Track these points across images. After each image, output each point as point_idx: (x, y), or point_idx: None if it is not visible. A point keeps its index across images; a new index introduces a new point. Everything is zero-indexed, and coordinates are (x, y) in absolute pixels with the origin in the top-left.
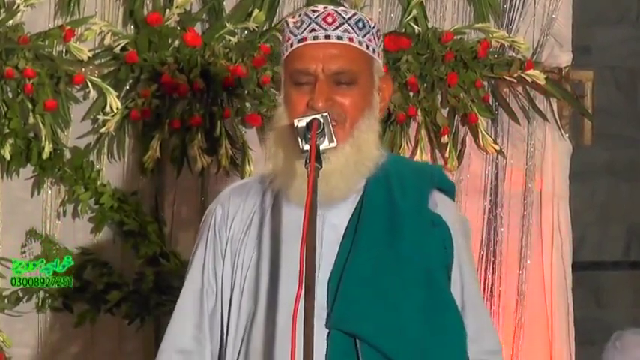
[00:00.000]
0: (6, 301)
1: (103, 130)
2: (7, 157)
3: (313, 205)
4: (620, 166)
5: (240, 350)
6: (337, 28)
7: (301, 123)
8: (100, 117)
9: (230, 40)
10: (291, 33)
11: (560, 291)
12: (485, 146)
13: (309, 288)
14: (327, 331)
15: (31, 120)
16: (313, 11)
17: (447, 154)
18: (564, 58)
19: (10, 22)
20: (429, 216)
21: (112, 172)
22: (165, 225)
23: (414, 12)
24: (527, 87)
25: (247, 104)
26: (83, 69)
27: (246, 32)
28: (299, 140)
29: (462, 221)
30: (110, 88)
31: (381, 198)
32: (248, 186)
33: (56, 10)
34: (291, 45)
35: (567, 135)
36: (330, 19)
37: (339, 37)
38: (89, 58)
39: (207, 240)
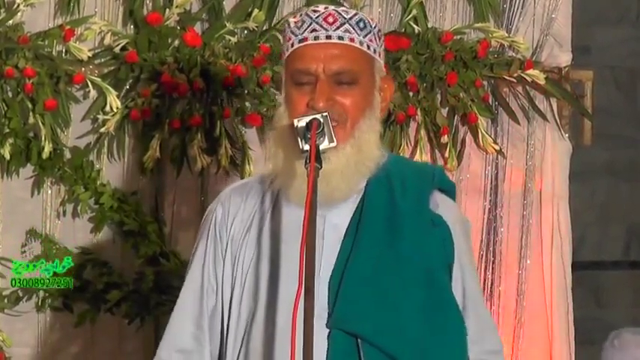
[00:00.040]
0: (6, 300)
1: (102, 129)
2: (7, 156)
3: (313, 204)
4: (620, 166)
5: (240, 350)
6: (338, 28)
7: (301, 123)
8: (100, 117)
9: (230, 40)
10: (292, 33)
11: (560, 291)
12: (485, 146)
13: (309, 288)
14: (328, 331)
15: (31, 120)
16: (314, 11)
17: (446, 154)
18: (564, 58)
19: (10, 21)
20: (430, 216)
21: (111, 171)
22: (165, 225)
23: (414, 12)
24: (527, 87)
25: (247, 104)
26: (83, 69)
27: (246, 32)
28: (299, 140)
29: (463, 221)
30: (110, 88)
31: (382, 198)
32: (249, 186)
33: (56, 9)
34: (292, 45)
35: (567, 135)
36: (330, 19)
37: (340, 37)
38: (89, 57)
39: (207, 239)
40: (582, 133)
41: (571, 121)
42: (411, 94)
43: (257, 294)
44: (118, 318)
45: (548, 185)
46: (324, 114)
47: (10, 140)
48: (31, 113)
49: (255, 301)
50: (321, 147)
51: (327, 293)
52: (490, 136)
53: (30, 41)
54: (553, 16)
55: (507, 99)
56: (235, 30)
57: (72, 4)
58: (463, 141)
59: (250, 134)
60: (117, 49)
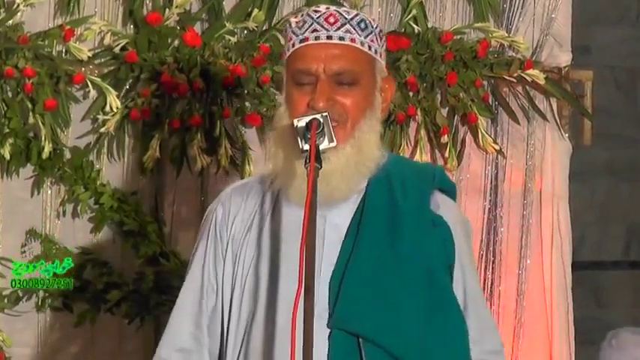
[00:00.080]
0: (6, 300)
1: (102, 129)
2: (7, 156)
3: (313, 204)
4: (620, 166)
5: (240, 350)
6: (339, 28)
7: (301, 123)
8: (100, 117)
9: (230, 40)
10: (293, 33)
11: (560, 291)
12: (485, 146)
13: (309, 287)
14: (329, 331)
15: (31, 120)
16: (315, 11)
17: (446, 154)
18: (564, 58)
19: (10, 21)
20: (431, 216)
21: (111, 171)
22: (165, 225)
23: (414, 12)
24: (527, 87)
25: (247, 104)
26: (83, 69)
27: (245, 32)
28: (299, 140)
29: (464, 222)
30: (110, 88)
31: (382, 198)
32: (249, 186)
33: (56, 9)
34: (293, 45)
35: (567, 135)
36: (332, 20)
37: (341, 38)
38: (89, 57)
39: (207, 239)
40: (582, 133)
41: (571, 121)
42: (411, 94)
43: (257, 294)
44: (118, 318)
45: (548, 185)
46: (324, 114)
47: (10, 140)
48: (31, 113)
49: (255, 300)
50: (321, 147)
51: (328, 293)
52: (490, 136)
53: (30, 41)
54: (553, 15)
55: (507, 99)
56: (235, 30)
57: (72, 4)
58: (463, 141)
59: (250, 134)
60: (117, 49)
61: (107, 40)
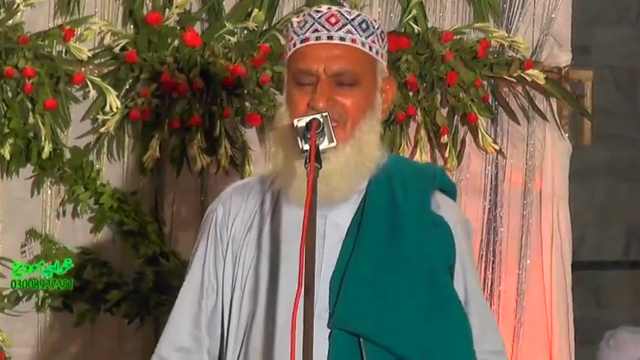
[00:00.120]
0: (6, 300)
1: (102, 129)
2: (7, 156)
3: (313, 204)
4: (620, 166)
5: (240, 350)
6: (340, 28)
7: (301, 123)
8: (100, 117)
9: (230, 40)
10: (295, 33)
11: (560, 291)
12: (484, 146)
13: (308, 287)
14: (329, 331)
15: (31, 120)
16: (317, 11)
17: (446, 154)
18: (564, 58)
19: (10, 21)
20: (431, 217)
21: (111, 171)
22: (164, 225)
23: (414, 12)
24: (527, 87)
25: (247, 104)
26: (83, 69)
27: (245, 32)
28: (299, 140)
29: (464, 222)
30: (110, 88)
31: (383, 198)
32: (250, 185)
33: (56, 9)
34: (294, 45)
35: (567, 135)
36: (333, 20)
37: (342, 38)
38: (89, 57)
39: (207, 239)
40: (582, 133)
41: (571, 121)
42: (411, 94)
43: (257, 294)
44: (118, 318)
45: (548, 185)
46: (324, 114)
47: (10, 140)
48: (30, 113)
49: (255, 301)
50: (321, 147)
51: (328, 293)
52: (490, 136)
53: (30, 41)
54: (553, 15)
55: (507, 99)
56: (235, 30)
57: (72, 4)
58: (463, 141)
59: (250, 134)
60: (117, 49)
61: (107, 40)
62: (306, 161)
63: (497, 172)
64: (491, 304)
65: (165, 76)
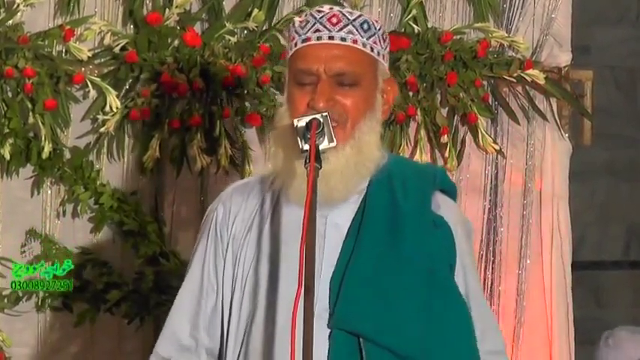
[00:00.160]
0: (5, 300)
1: (102, 129)
2: (7, 156)
3: (313, 204)
4: (620, 166)
5: (240, 350)
6: (341, 29)
7: (301, 123)
8: (100, 117)
9: (230, 40)
10: (296, 33)
11: (560, 291)
12: (484, 146)
13: (308, 287)
14: (329, 331)
15: (31, 120)
16: (319, 12)
17: (446, 154)
18: (564, 58)
19: (10, 21)
20: (432, 217)
21: (111, 171)
22: (164, 225)
23: (414, 12)
24: (527, 87)
25: (247, 104)
26: (83, 69)
27: (245, 32)
28: (299, 140)
29: (464, 222)
30: (110, 88)
31: (383, 199)
32: (250, 185)
33: (56, 9)
34: (296, 45)
35: (567, 135)
36: (334, 20)
37: (343, 39)
38: (89, 57)
39: (208, 238)
40: (582, 133)
41: (571, 120)
42: (410, 94)
43: (257, 294)
44: (118, 318)
45: (548, 185)
46: (324, 114)
47: (10, 140)
48: (30, 113)
49: (255, 300)
50: (321, 147)
51: (329, 293)
52: (490, 136)
53: (30, 41)
54: (553, 15)
55: (507, 99)
56: (235, 30)
57: (72, 4)
58: (463, 141)
59: (250, 134)
60: (117, 49)
61: (107, 40)
62: (306, 161)
63: (497, 172)
64: (491, 304)
65: (165, 76)
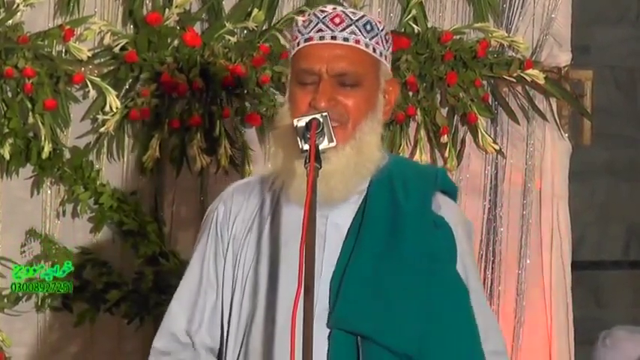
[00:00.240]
0: (5, 300)
1: (102, 129)
2: (7, 156)
3: (313, 204)
4: (620, 165)
5: (240, 350)
6: (344, 29)
7: (301, 122)
8: (100, 116)
9: (229, 40)
10: (299, 32)
11: (560, 290)
12: (484, 146)
13: (308, 287)
14: (329, 330)
15: (31, 119)
16: (322, 11)
17: (446, 154)
18: (564, 58)
19: (10, 21)
20: (432, 217)
21: (111, 171)
22: (164, 225)
23: (414, 12)
24: (527, 86)
25: (247, 104)
26: (82, 68)
27: (245, 32)
28: (298, 140)
29: (465, 223)
30: (109, 88)
31: (384, 199)
32: (251, 185)
33: (56, 9)
34: (298, 44)
35: (567, 135)
36: (337, 20)
37: (346, 39)
38: (88, 57)
39: (208, 237)
40: (582, 133)
41: (571, 120)
42: (410, 94)
43: (258, 294)
44: (118, 318)
45: (547, 185)
46: (324, 114)
47: (10, 140)
48: (30, 113)
49: (255, 300)
50: (321, 147)
51: (329, 293)
52: (490, 136)
53: (30, 41)
54: (553, 15)
55: (507, 99)
56: (235, 30)
57: (72, 4)
58: (463, 141)
59: (250, 134)
60: (116, 49)
61: (107, 40)
62: (306, 161)
63: (497, 172)
64: (490, 304)
65: (165, 76)
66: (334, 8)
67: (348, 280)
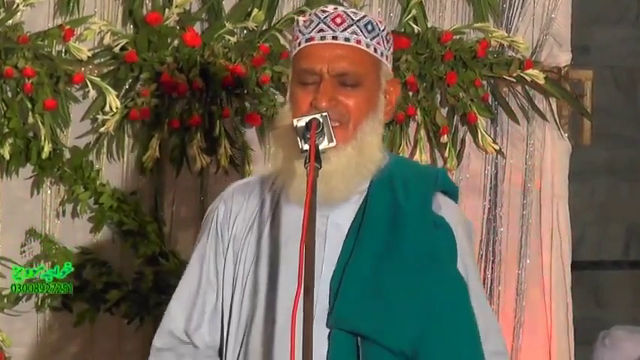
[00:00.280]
0: (5, 300)
1: (102, 129)
2: (7, 156)
3: (312, 204)
4: (620, 165)
5: (240, 350)
6: (345, 29)
7: (300, 122)
8: (100, 116)
9: (229, 40)
10: (300, 32)
11: (560, 290)
12: (484, 146)
13: (308, 287)
14: (329, 330)
15: (31, 119)
16: (323, 11)
17: (446, 154)
18: (564, 58)
19: (10, 21)
20: (432, 218)
21: (111, 171)
22: (164, 224)
23: (414, 11)
24: (527, 86)
25: (247, 104)
26: (82, 68)
27: (245, 32)
28: (298, 140)
29: (465, 223)
30: (109, 88)
31: (384, 199)
32: (251, 185)
33: (55, 9)
34: (299, 44)
35: (567, 134)
36: (338, 20)
37: (347, 39)
38: (88, 57)
39: (208, 237)
40: (582, 133)
41: (570, 120)
42: (410, 93)
43: (258, 293)
44: (118, 318)
45: (547, 185)
46: (324, 114)
47: (10, 140)
48: (30, 113)
49: (255, 300)
50: (321, 147)
51: (329, 293)
52: (490, 136)
53: (29, 41)
54: (553, 15)
55: (507, 99)
56: (235, 30)
57: (71, 4)
58: (463, 141)
59: (250, 134)
60: (116, 49)
61: (107, 40)
62: (305, 161)
63: (496, 172)
64: (490, 304)
65: (164, 76)
66: (335, 8)
67: (348, 280)
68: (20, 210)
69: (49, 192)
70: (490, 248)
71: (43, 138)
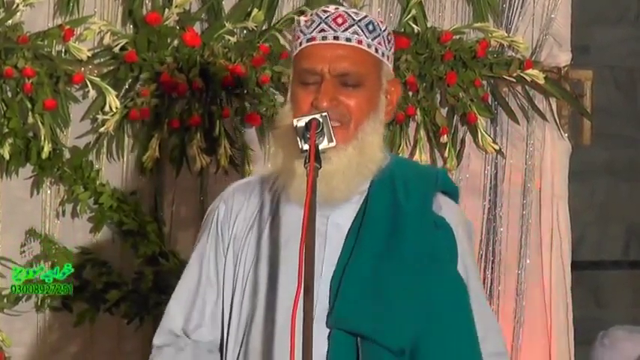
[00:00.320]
0: (5, 300)
1: (102, 129)
2: (7, 156)
3: (312, 204)
4: (620, 165)
5: (240, 350)
6: (346, 29)
7: (300, 123)
8: (99, 116)
9: (229, 40)
10: (301, 32)
11: (560, 290)
12: (484, 146)
13: (308, 287)
14: (329, 330)
15: (30, 119)
16: (324, 11)
17: (446, 154)
18: (563, 58)
19: (10, 21)
20: (433, 218)
21: (111, 171)
22: (164, 224)
23: (413, 11)
24: (527, 86)
25: (247, 104)
26: (82, 68)
27: (245, 32)
28: (298, 140)
29: (466, 223)
30: (109, 88)
31: (385, 199)
32: (251, 185)
33: (55, 9)
34: (300, 44)
35: (566, 134)
36: (340, 20)
37: (348, 39)
38: (88, 57)
39: (208, 236)
40: (582, 133)
41: (570, 120)
42: (410, 93)
43: (258, 293)
44: (117, 318)
45: (547, 185)
46: (324, 114)
47: (10, 140)
48: (30, 113)
49: (255, 300)
50: (321, 147)
51: (329, 293)
52: (489, 136)
53: (29, 41)
54: (552, 15)
55: (507, 99)
56: (235, 30)
57: (71, 4)
58: (462, 141)
59: (250, 134)
60: (116, 49)
61: (106, 40)
62: (305, 161)
63: (496, 172)
64: (490, 304)
65: (164, 76)
66: (337, 8)
67: (348, 280)
68: (20, 210)
69: (48, 192)
70: (490, 248)
71: (42, 138)
